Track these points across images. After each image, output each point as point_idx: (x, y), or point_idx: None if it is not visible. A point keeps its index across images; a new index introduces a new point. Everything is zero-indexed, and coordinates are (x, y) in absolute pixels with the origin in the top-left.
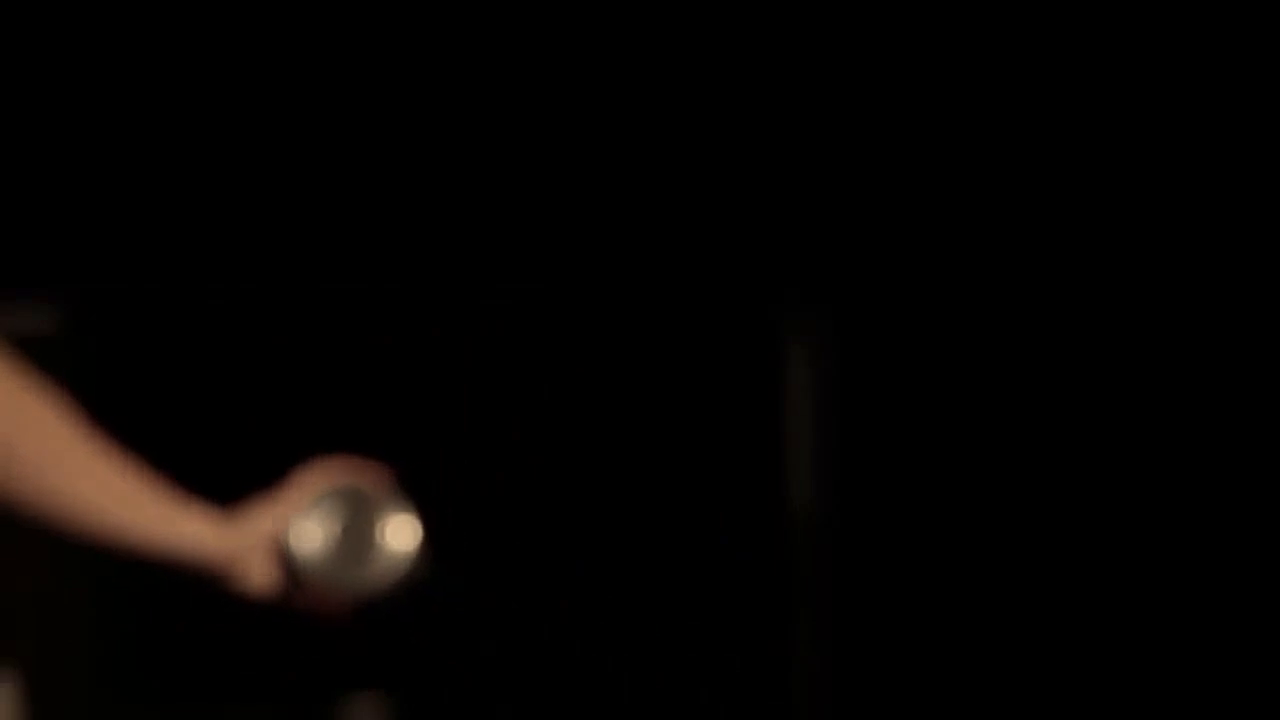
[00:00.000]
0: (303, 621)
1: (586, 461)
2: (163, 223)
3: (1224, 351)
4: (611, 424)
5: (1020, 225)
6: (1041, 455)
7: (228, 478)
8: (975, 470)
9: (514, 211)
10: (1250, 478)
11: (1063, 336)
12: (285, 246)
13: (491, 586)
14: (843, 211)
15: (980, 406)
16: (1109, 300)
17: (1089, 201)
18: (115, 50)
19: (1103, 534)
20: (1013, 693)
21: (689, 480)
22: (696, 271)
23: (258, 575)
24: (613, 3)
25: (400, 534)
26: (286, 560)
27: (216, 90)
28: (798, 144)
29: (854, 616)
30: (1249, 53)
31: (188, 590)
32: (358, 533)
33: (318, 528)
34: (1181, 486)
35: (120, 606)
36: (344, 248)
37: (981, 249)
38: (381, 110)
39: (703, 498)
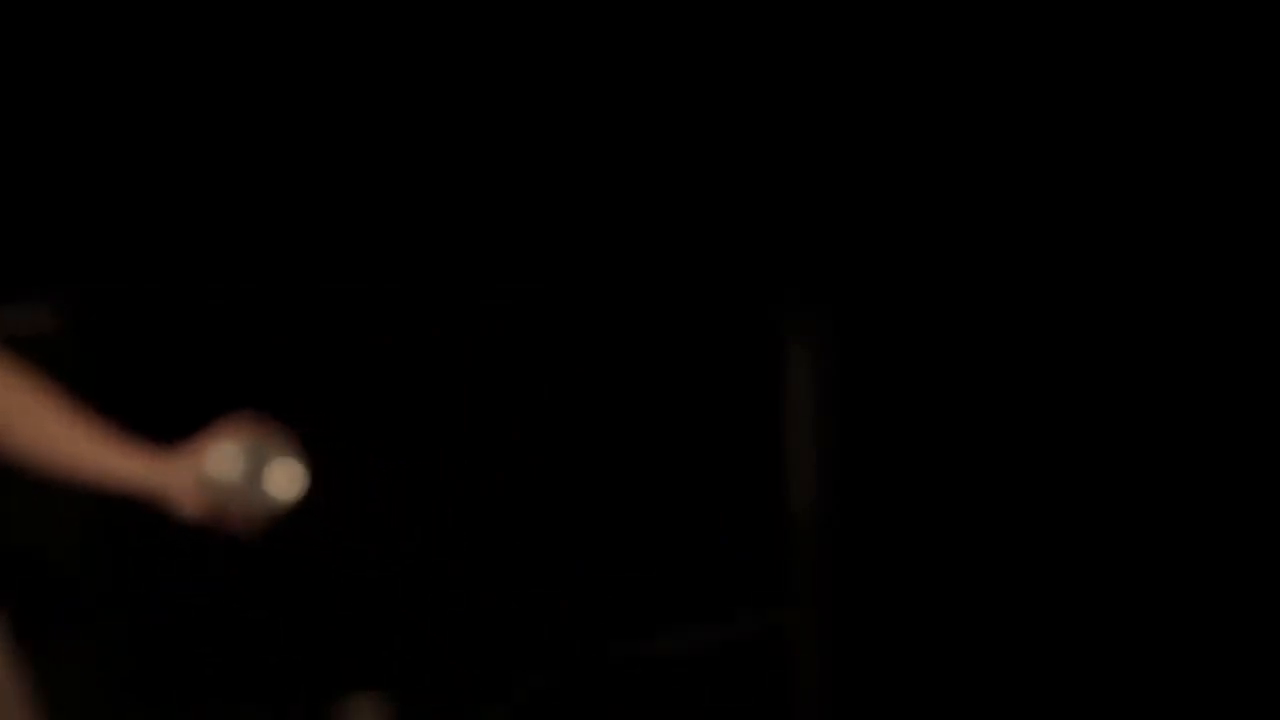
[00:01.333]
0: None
1: (587, 461)
2: (163, 223)
3: (1223, 351)
4: (612, 424)
5: (1019, 226)
6: (1040, 454)
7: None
8: (974, 469)
9: (514, 212)
10: (1250, 477)
11: (1062, 336)
12: (285, 246)
13: (492, 585)
14: (842, 212)
15: (979, 406)
16: (1108, 301)
17: (1088, 202)
18: (115, 51)
19: (1101, 533)
20: (1012, 691)
21: (690, 479)
22: (697, 272)
23: (186, 499)
24: (613, 4)
25: (288, 468)
26: (205, 486)
27: (216, 91)
28: (797, 145)
29: (854, 615)
30: (1249, 53)
31: (188, 593)
32: (257, 466)
33: (229, 462)
34: (1180, 485)
35: (120, 604)
36: (344, 248)
37: (981, 250)
38: (381, 110)
39: (703, 496)
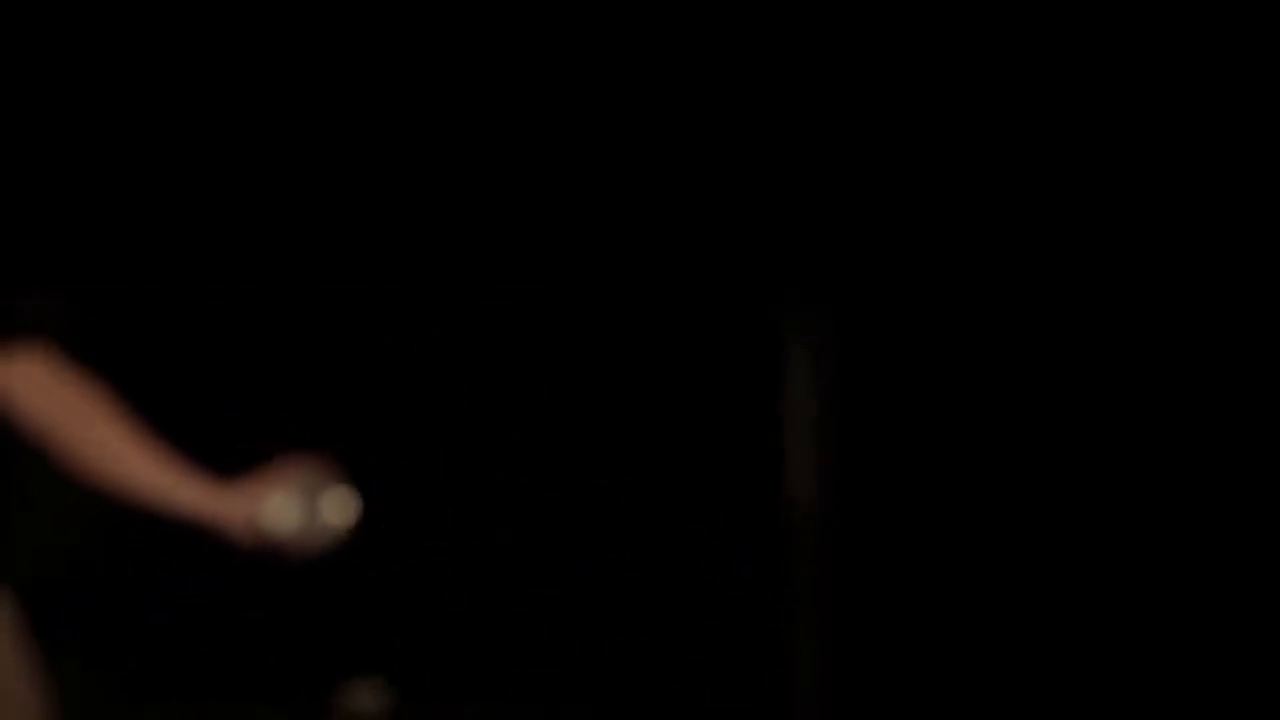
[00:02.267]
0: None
1: (588, 460)
2: (162, 223)
3: (1223, 351)
4: (613, 423)
5: (1019, 227)
6: (1039, 453)
7: (227, 477)
8: (974, 468)
9: (514, 212)
10: (1249, 476)
11: (1061, 336)
12: (285, 246)
13: (493, 582)
14: (842, 212)
15: (978, 405)
16: (1107, 300)
17: (1087, 202)
18: (116, 51)
19: (1100, 531)
20: (1012, 689)
21: (690, 478)
22: (697, 272)
23: (239, 533)
24: (614, 5)
25: (339, 499)
26: (261, 527)
27: (217, 91)
28: (797, 146)
29: (853, 613)
30: (1248, 53)
31: (189, 586)
32: (312, 507)
33: (285, 513)
34: (1179, 483)
35: (119, 600)
36: (344, 248)
37: (980, 250)
38: (381, 110)
39: (703, 495)
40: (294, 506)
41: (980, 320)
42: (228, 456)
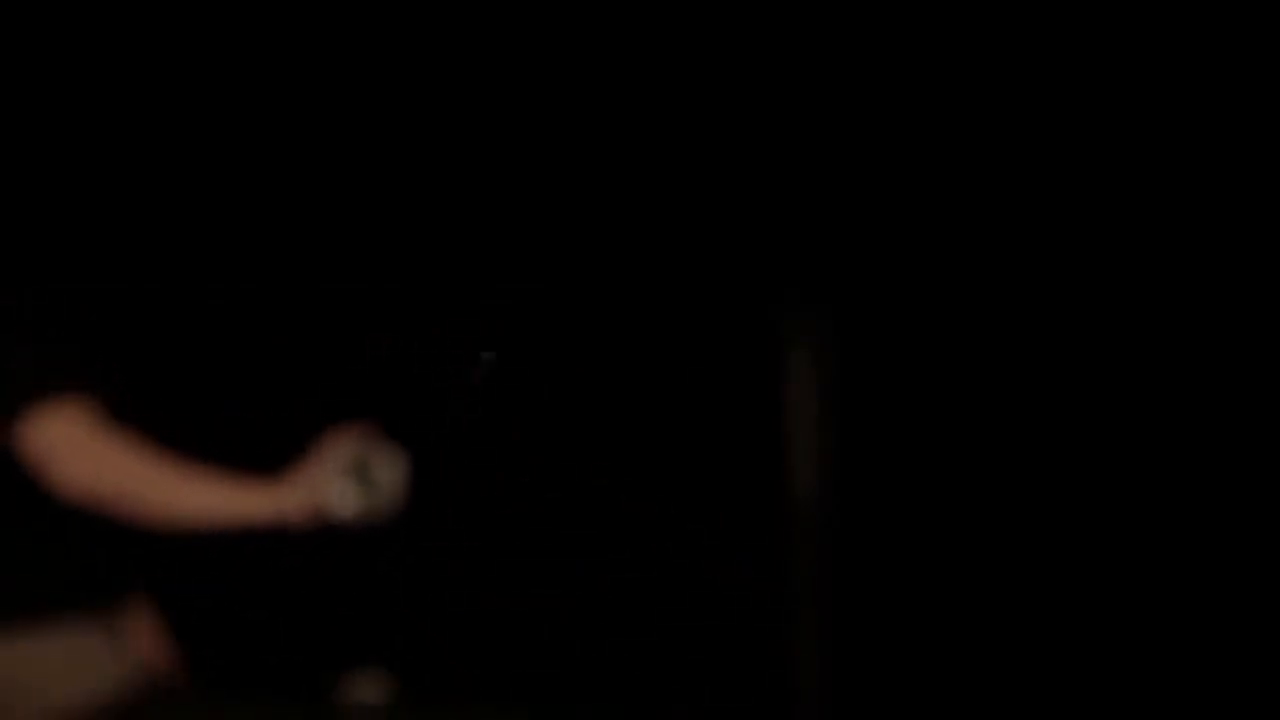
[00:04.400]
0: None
1: (589, 459)
2: (163, 223)
3: (1222, 351)
4: (614, 422)
5: (1019, 226)
6: (1039, 451)
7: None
8: (974, 466)
9: (514, 211)
10: (1249, 475)
11: (1060, 334)
12: (285, 246)
13: (494, 577)
14: (841, 213)
15: (979, 403)
16: (1106, 299)
17: (1087, 202)
18: (117, 52)
19: (1099, 529)
20: (1012, 686)
21: (691, 477)
22: (698, 272)
23: (308, 522)
24: (614, 5)
25: (390, 465)
26: (327, 514)
27: (217, 91)
28: (797, 146)
29: (854, 610)
30: (1248, 53)
31: (189, 577)
32: (367, 481)
33: (345, 495)
34: (1178, 481)
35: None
36: (344, 247)
37: (979, 250)
38: (381, 110)
39: (704, 495)
40: (351, 484)
41: (980, 319)
42: (227, 457)
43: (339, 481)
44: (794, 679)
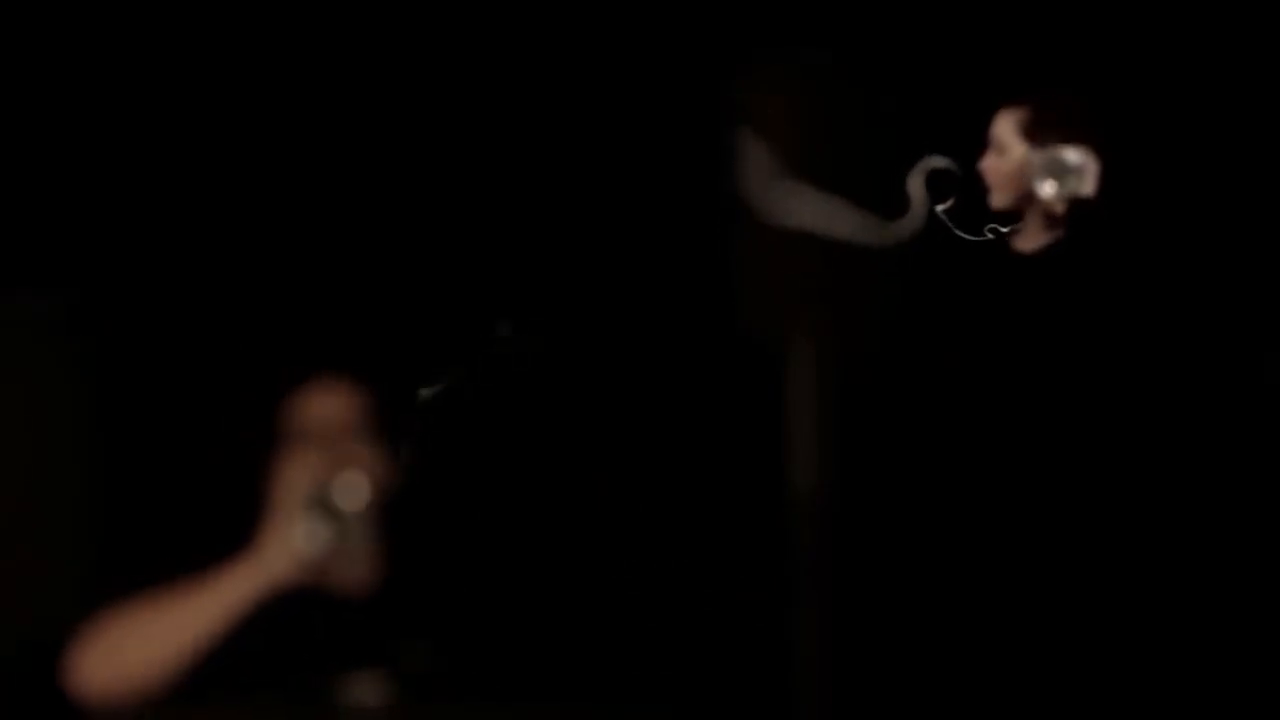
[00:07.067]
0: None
1: (589, 457)
2: (162, 223)
3: (1221, 351)
4: (614, 419)
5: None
6: (1040, 447)
7: (226, 478)
8: (974, 463)
9: (514, 211)
10: (1249, 477)
11: (1059, 330)
12: (285, 246)
13: (492, 576)
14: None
15: (979, 401)
16: (1105, 298)
17: (1082, 202)
18: (117, 52)
19: (1099, 527)
20: (1012, 682)
21: (691, 475)
22: (697, 269)
23: (298, 581)
24: (614, 5)
25: (355, 492)
26: (306, 561)
27: (217, 91)
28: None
29: (855, 606)
30: (1247, 53)
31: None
32: (332, 514)
33: (316, 536)
34: (1177, 479)
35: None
36: (343, 247)
37: (976, 245)
38: (380, 110)
39: (705, 491)
40: (316, 519)
41: (979, 316)
42: (220, 454)
43: (302, 520)
44: (795, 673)
